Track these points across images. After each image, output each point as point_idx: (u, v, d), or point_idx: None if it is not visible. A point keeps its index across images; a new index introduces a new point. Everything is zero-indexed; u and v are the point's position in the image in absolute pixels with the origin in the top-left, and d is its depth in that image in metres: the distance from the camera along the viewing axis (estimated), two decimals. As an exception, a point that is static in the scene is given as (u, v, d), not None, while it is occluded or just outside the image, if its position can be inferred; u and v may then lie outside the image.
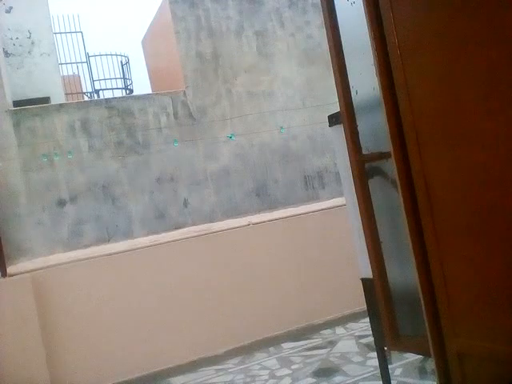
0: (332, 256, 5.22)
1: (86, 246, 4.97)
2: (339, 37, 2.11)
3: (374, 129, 2.10)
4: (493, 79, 1.50)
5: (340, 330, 4.99)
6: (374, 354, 2.64)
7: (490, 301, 1.62)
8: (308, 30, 6.12)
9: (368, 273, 2.26)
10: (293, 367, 4.29)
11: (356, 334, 4.75)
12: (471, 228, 1.64)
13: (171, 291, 4.74)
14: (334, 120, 2.53)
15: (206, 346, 4.79)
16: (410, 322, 2.14)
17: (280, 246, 5.21)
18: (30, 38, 7.12)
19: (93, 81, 10.15)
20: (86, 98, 9.84)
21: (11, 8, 7.00)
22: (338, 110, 2.24)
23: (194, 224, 5.39)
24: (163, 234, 5.17)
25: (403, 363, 3.74)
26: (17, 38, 7.00)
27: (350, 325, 5.03)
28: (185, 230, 5.28)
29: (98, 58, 10.10)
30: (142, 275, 4.71)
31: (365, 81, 2.05)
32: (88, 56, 10.03)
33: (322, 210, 5.49)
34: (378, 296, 2.16)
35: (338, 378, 3.80)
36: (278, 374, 4.26)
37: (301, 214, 5.46)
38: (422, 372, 3.60)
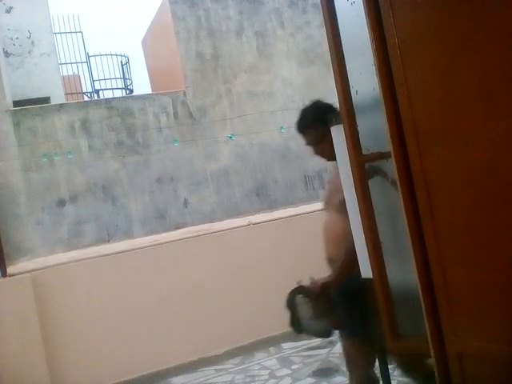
0: (332, 256, 5.22)
1: (86, 246, 4.97)
2: (339, 37, 2.11)
3: (374, 129, 2.09)
4: (493, 79, 1.50)
5: (340, 330, 4.99)
6: (374, 354, 2.65)
7: (490, 301, 1.63)
8: (308, 30, 6.13)
9: (368, 273, 2.25)
10: (293, 367, 4.30)
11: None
12: (471, 228, 1.64)
13: (171, 291, 4.75)
14: (334, 120, 2.53)
15: (206, 346, 4.80)
16: (410, 322, 2.14)
17: (280, 245, 5.21)
18: (30, 38, 7.12)
19: (93, 81, 10.15)
20: (86, 98, 9.85)
21: (11, 8, 7.00)
22: (338, 109, 2.24)
23: (193, 224, 5.39)
24: (163, 234, 5.17)
25: (403, 363, 3.74)
26: (17, 38, 7.00)
27: (350, 325, 5.03)
28: (185, 230, 5.29)
29: (98, 57, 10.10)
30: (142, 275, 4.71)
31: (365, 81, 2.05)
32: (88, 56, 10.04)
33: (322, 210, 5.49)
34: (378, 296, 2.16)
35: (337, 378, 3.80)
36: (278, 374, 4.27)
37: (301, 213, 5.46)
38: (422, 372, 3.60)
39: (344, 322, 2.47)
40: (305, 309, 2.47)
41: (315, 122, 2.55)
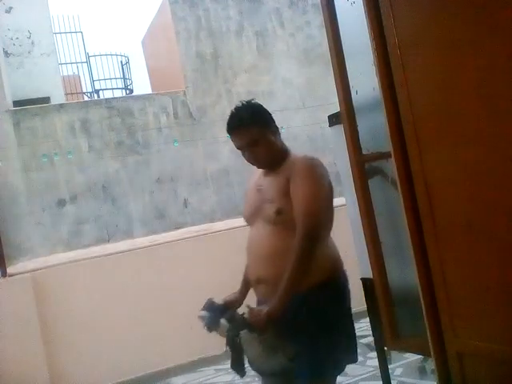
0: (332, 256, 5.21)
1: (86, 246, 4.97)
2: (339, 37, 2.11)
3: (374, 129, 2.10)
4: (493, 79, 1.50)
5: (340, 330, 4.98)
6: (374, 354, 2.64)
7: (490, 301, 1.63)
8: (308, 30, 6.13)
9: (368, 273, 2.26)
10: (293, 367, 4.29)
11: (356, 334, 4.75)
12: (471, 228, 1.64)
13: (171, 291, 4.74)
14: (334, 120, 2.52)
15: (206, 346, 4.79)
16: (410, 322, 2.14)
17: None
18: (30, 38, 7.12)
19: (93, 81, 10.16)
20: (86, 98, 9.85)
21: (11, 8, 7.01)
22: (338, 109, 2.24)
23: (193, 224, 5.38)
24: (163, 234, 5.16)
25: (403, 363, 3.74)
26: (17, 38, 7.00)
27: (350, 325, 5.02)
28: (185, 229, 5.28)
29: (98, 57, 10.11)
30: (141, 275, 4.70)
31: (365, 81, 2.05)
32: (88, 56, 10.04)
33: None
34: (378, 296, 2.17)
35: (337, 378, 3.79)
36: (278, 374, 4.26)
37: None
38: (422, 372, 3.60)
39: (299, 351, 2.07)
40: (253, 346, 2.05)
41: (252, 122, 2.22)
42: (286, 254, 2.05)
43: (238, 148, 2.29)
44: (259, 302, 2.22)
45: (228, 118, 2.31)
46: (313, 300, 2.08)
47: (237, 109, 2.29)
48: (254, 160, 2.25)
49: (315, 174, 2.12)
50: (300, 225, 2.03)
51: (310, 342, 2.07)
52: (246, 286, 2.45)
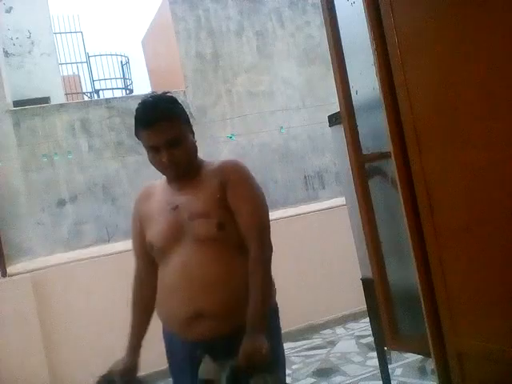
0: (332, 256, 5.22)
1: (86, 246, 4.96)
2: (339, 37, 2.12)
3: (374, 129, 2.10)
4: (493, 79, 1.51)
5: (340, 330, 4.99)
6: (374, 354, 2.65)
7: (490, 301, 1.63)
8: (308, 30, 6.12)
9: (368, 273, 2.26)
10: (293, 367, 4.29)
11: (356, 334, 4.75)
12: (471, 228, 1.64)
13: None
14: (333, 120, 2.53)
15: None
16: (410, 322, 2.14)
17: (279, 245, 5.19)
18: (30, 37, 7.12)
19: (93, 81, 10.15)
20: (86, 98, 9.85)
21: (11, 8, 7.00)
22: (338, 109, 2.24)
23: (193, 224, 5.37)
24: (163, 234, 5.16)
25: (403, 363, 3.74)
26: (17, 38, 6.99)
27: (350, 325, 5.03)
28: (185, 229, 5.27)
29: (98, 57, 10.11)
30: (141, 275, 4.71)
31: (365, 81, 2.05)
32: (88, 56, 10.04)
33: (322, 210, 5.48)
34: (378, 296, 2.17)
35: (337, 378, 3.80)
36: (278, 373, 4.26)
37: (301, 213, 5.46)
38: (422, 372, 3.60)
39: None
40: None
41: (175, 117, 1.86)
42: (233, 276, 1.77)
43: (152, 146, 1.84)
44: (195, 339, 1.85)
45: (140, 109, 1.91)
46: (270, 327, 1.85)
47: (154, 100, 1.91)
48: (172, 163, 1.83)
49: (253, 180, 1.90)
50: (255, 239, 1.79)
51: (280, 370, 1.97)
52: (140, 336, 2.07)
